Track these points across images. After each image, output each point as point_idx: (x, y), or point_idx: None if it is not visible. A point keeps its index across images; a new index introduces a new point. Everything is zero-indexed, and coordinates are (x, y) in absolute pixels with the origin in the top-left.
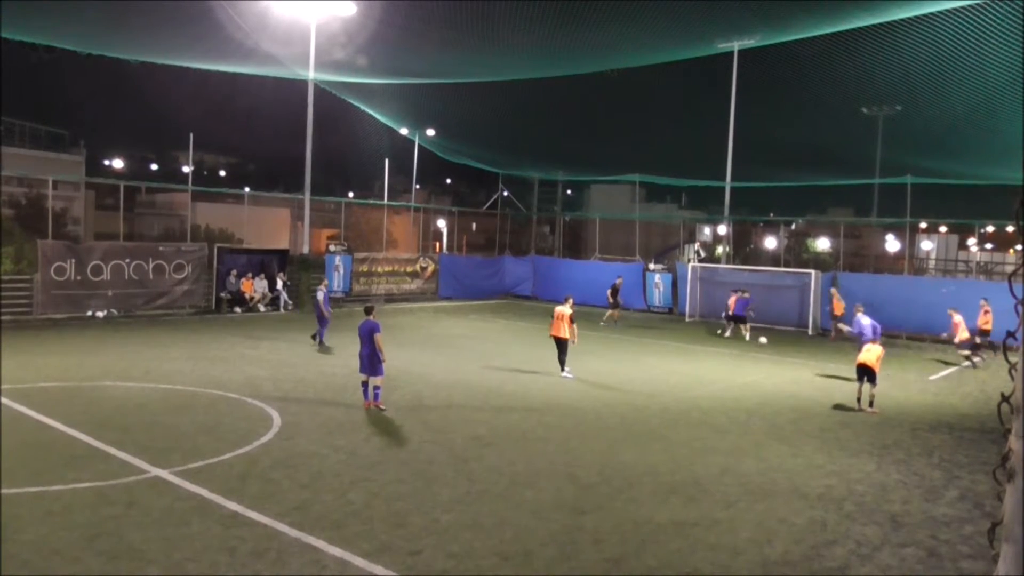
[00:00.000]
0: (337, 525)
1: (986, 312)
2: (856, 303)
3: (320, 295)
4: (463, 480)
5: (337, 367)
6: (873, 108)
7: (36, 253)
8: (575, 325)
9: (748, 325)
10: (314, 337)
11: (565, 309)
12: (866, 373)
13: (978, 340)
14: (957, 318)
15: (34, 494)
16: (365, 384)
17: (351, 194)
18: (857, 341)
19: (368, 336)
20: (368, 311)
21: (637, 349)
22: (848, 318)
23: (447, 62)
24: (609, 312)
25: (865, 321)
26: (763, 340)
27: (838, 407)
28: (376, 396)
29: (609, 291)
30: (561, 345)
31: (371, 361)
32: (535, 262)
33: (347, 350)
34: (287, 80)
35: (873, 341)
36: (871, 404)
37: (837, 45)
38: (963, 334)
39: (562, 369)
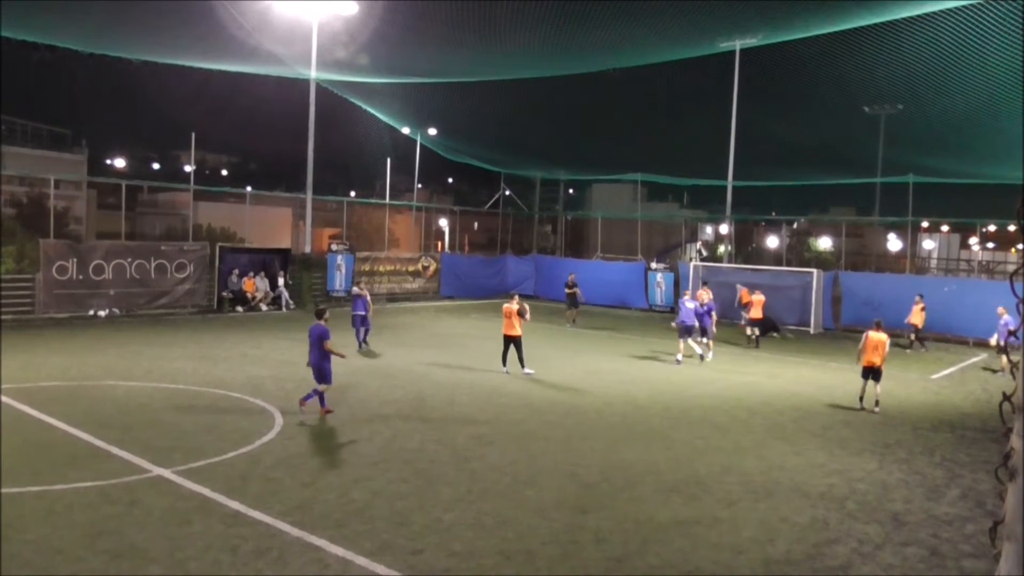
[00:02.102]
0: (339, 524)
1: (922, 309)
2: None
3: (369, 296)
4: (465, 479)
5: (338, 366)
6: (875, 107)
7: (38, 252)
8: (523, 318)
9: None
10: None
11: (512, 306)
12: (872, 373)
13: (912, 335)
14: (756, 297)
15: (36, 493)
16: (320, 392)
17: (353, 193)
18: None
19: (317, 341)
20: (319, 314)
21: (638, 348)
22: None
23: (449, 61)
24: (568, 311)
25: (689, 306)
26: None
27: (840, 406)
28: (322, 402)
29: (566, 287)
30: (516, 342)
31: (320, 368)
32: (537, 261)
33: (347, 349)
34: (289, 79)
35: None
36: (876, 404)
37: (839, 44)
38: (756, 313)
39: (522, 366)
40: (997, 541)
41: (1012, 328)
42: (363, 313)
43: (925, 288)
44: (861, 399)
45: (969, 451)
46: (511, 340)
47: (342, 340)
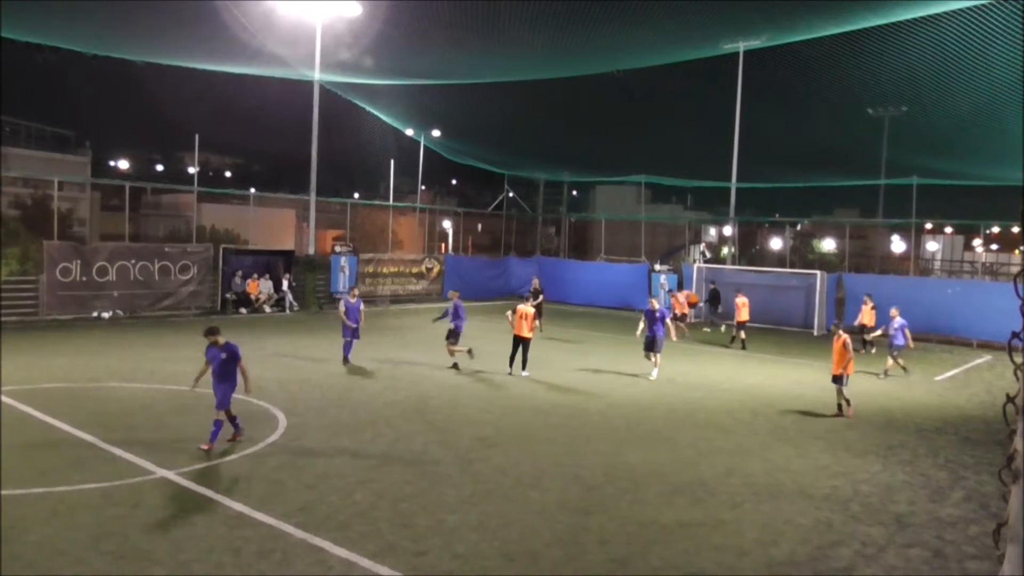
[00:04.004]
0: (342, 526)
1: (872, 309)
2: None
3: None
4: (468, 481)
5: (342, 369)
6: (879, 109)
7: (42, 254)
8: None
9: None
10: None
11: (529, 309)
12: (839, 379)
13: (866, 337)
14: (739, 300)
15: (39, 495)
16: (222, 422)
17: (356, 195)
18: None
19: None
20: (213, 332)
21: (641, 350)
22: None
23: (453, 63)
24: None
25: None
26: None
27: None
28: (239, 427)
29: (529, 294)
30: (526, 344)
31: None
32: (541, 263)
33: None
34: (292, 81)
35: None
36: (849, 405)
37: (843, 46)
38: (743, 316)
39: (523, 368)
40: (1001, 543)
41: (1019, 331)
42: (355, 324)
43: (929, 289)
44: (839, 406)
45: (973, 453)
46: (522, 341)
47: (330, 354)
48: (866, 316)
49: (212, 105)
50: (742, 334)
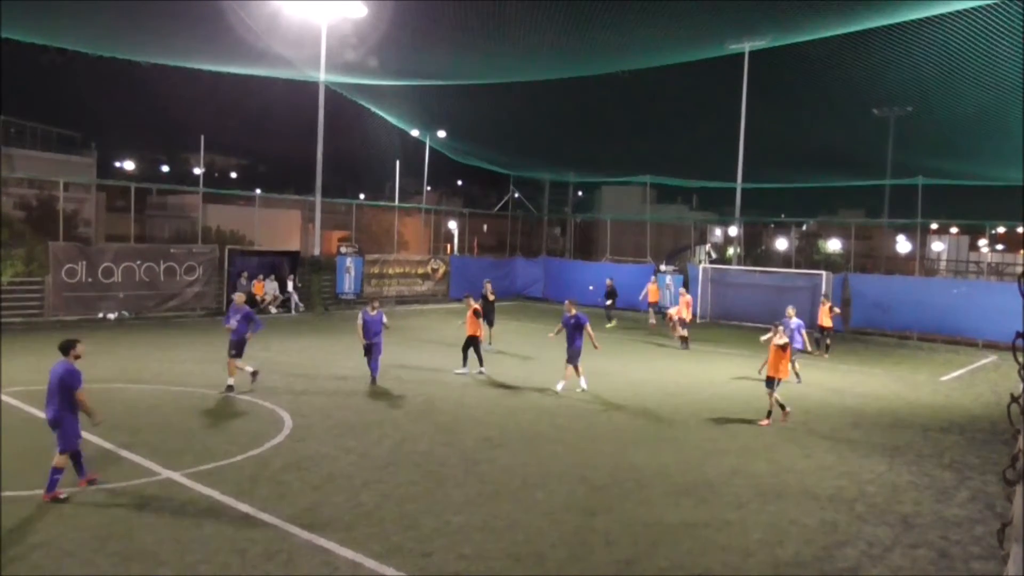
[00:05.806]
0: (348, 527)
1: (829, 309)
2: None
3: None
4: (474, 482)
5: (348, 370)
6: (884, 109)
7: (47, 255)
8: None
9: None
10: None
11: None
12: (772, 382)
13: (817, 336)
14: (685, 298)
15: None
16: (76, 462)
17: (362, 196)
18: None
19: (60, 389)
20: (67, 348)
21: (647, 351)
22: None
23: (458, 63)
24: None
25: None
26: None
27: (850, 408)
28: (79, 471)
29: (480, 299)
30: (476, 342)
31: (62, 426)
32: (546, 263)
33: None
34: (298, 82)
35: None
36: (770, 415)
37: (848, 46)
38: (684, 313)
39: (480, 365)
40: (1005, 543)
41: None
42: (377, 340)
43: (934, 290)
44: (770, 413)
45: (979, 453)
46: (474, 340)
47: (335, 355)
48: (824, 317)
49: (218, 106)
50: (683, 331)
